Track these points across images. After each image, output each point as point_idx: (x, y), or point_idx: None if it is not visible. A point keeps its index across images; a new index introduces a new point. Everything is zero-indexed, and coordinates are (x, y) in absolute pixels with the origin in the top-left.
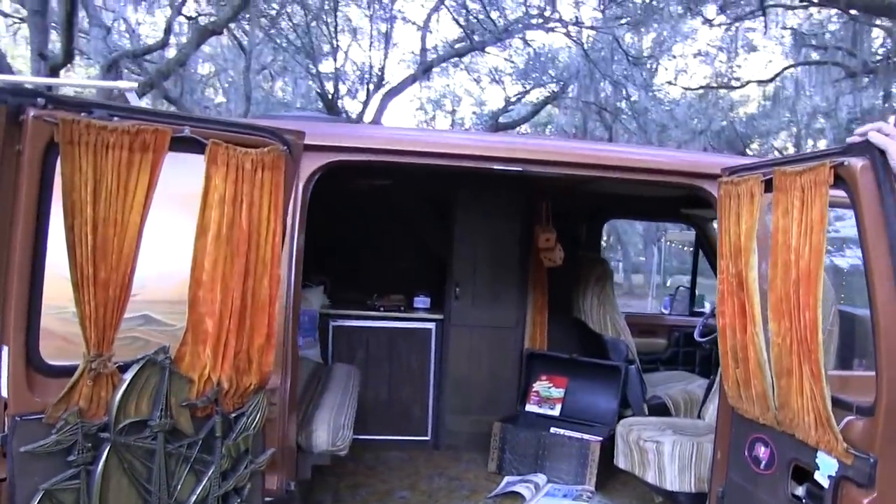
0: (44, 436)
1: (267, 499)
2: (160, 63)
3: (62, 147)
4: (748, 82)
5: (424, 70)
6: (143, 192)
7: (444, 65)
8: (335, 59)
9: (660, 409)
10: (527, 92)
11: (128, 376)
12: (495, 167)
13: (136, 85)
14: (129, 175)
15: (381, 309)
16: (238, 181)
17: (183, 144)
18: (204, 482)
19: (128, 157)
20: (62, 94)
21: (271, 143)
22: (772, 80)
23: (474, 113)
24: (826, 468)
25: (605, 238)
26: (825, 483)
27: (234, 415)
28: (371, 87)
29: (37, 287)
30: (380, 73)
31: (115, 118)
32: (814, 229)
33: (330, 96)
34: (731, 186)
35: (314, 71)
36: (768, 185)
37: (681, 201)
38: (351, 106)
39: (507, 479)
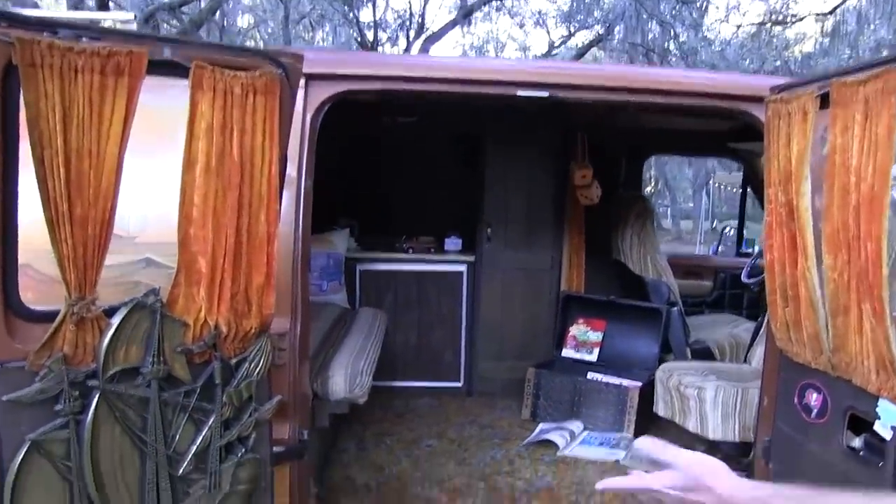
0: (27, 384)
1: (278, 448)
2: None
3: (22, 70)
4: (804, 18)
5: (465, 14)
6: (120, 120)
7: (485, 9)
8: (374, 6)
9: (703, 354)
10: (571, 35)
11: (115, 320)
12: (520, 93)
13: (132, 16)
14: (102, 102)
15: (410, 251)
16: (227, 107)
17: (164, 68)
18: (204, 432)
19: (100, 81)
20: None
21: (264, 66)
22: (831, 12)
23: (517, 59)
24: (888, 418)
25: (652, 183)
26: (887, 434)
27: (234, 361)
28: (411, 34)
29: (10, 225)
30: (420, 20)
31: (84, 39)
32: (879, 146)
33: (370, 44)
34: (780, 105)
35: (354, 19)
36: (824, 102)
37: (728, 135)
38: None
39: (541, 426)
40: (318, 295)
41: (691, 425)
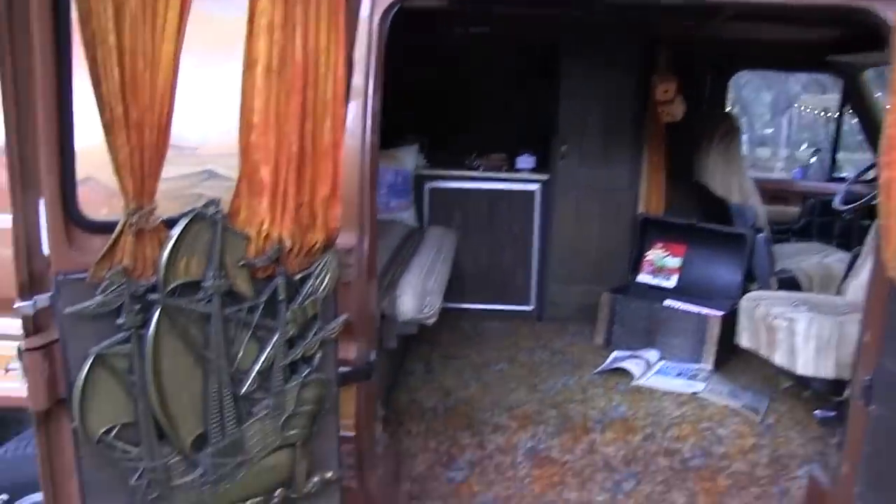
0: (89, 296)
1: (344, 368)
2: None
3: None
4: None
5: None
6: (175, 17)
7: None
8: None
9: (790, 284)
10: None
11: (175, 232)
12: None
13: None
14: None
15: (481, 169)
16: (289, 3)
17: None
18: (268, 350)
19: None
20: None
21: None
22: None
23: None
24: None
25: (728, 107)
26: None
27: (299, 276)
28: None
29: (67, 134)
30: None
31: None
32: None
33: None
34: None
35: None
36: None
37: (826, 47)
38: None
39: (615, 354)
40: (385, 213)
41: (778, 359)
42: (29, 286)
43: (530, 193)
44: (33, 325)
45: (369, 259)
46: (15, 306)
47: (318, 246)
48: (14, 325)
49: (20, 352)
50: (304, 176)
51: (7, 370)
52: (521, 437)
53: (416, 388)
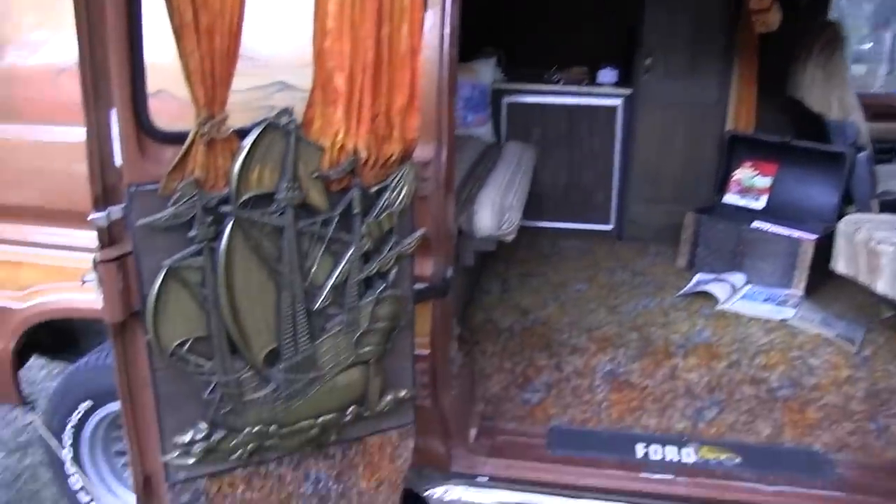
0: (162, 208)
1: (420, 285)
2: None
3: None
4: None
5: None
6: None
7: None
8: None
9: (893, 207)
10: None
11: (247, 142)
12: None
13: None
14: None
15: (561, 83)
16: None
17: None
18: (342, 264)
19: None
20: None
21: None
22: None
23: None
24: None
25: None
26: None
27: (374, 189)
28: None
29: (136, 42)
30: None
31: None
32: None
33: None
34: None
35: None
36: None
37: None
38: None
39: (698, 276)
40: (462, 128)
41: (881, 286)
42: (103, 198)
43: (612, 109)
44: (108, 238)
45: (447, 173)
46: (89, 218)
47: (394, 158)
48: (91, 238)
49: (95, 264)
50: (380, 84)
51: (83, 282)
52: (600, 359)
53: (493, 306)
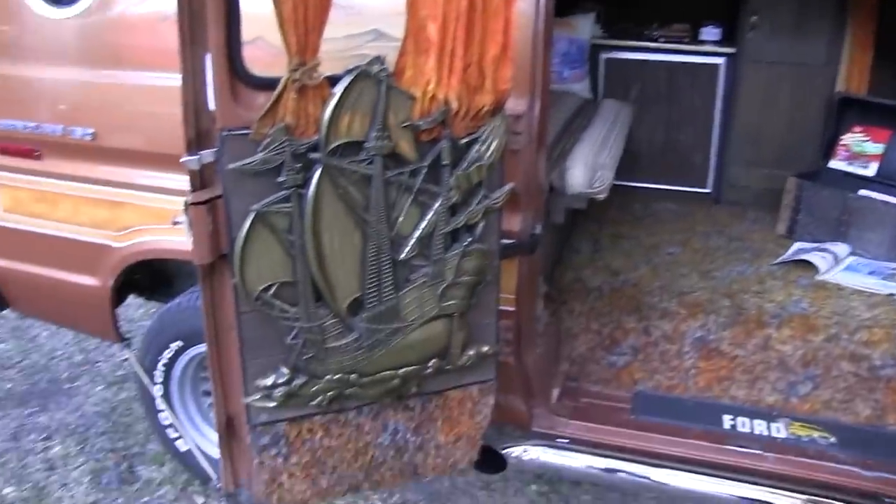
0: (252, 153)
1: (507, 241)
2: None
3: None
4: None
5: None
6: None
7: None
8: None
9: None
10: None
11: (338, 90)
12: None
13: None
14: None
15: (661, 40)
16: None
17: None
18: (429, 216)
19: None
20: None
21: None
22: None
23: None
24: None
25: None
26: None
27: (465, 141)
28: None
29: None
30: None
31: None
32: None
33: None
34: None
35: None
36: None
37: None
38: None
39: (798, 244)
40: (558, 83)
41: None
42: (196, 142)
43: (714, 67)
44: (199, 181)
45: (540, 127)
46: (181, 161)
47: (486, 109)
48: (184, 182)
49: (186, 206)
50: (472, 33)
51: (174, 223)
52: (690, 325)
53: (582, 266)
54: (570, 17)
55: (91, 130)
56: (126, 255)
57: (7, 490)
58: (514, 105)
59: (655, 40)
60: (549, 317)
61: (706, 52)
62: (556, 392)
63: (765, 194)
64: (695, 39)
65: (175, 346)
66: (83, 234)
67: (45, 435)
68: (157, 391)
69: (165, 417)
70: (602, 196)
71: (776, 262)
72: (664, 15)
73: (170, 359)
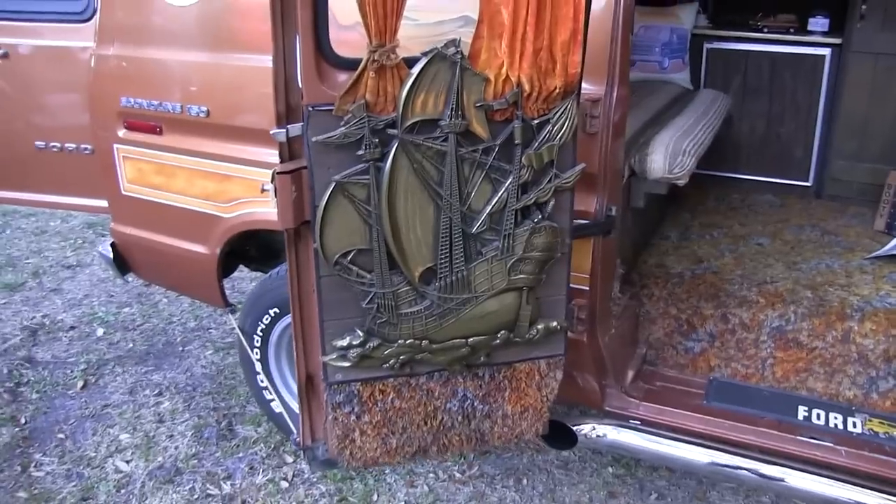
0: (335, 128)
1: (581, 221)
2: None
3: None
4: None
5: None
6: None
7: None
8: None
9: None
10: None
11: (415, 70)
12: None
13: None
14: None
15: (766, 31)
16: None
17: None
18: (500, 192)
19: None
20: None
21: None
22: None
23: None
24: None
25: None
26: None
27: (536, 121)
28: None
29: None
30: None
31: None
32: None
33: None
34: None
35: None
36: None
37: None
38: None
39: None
40: (658, 73)
41: None
42: (285, 116)
43: (819, 59)
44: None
45: (617, 112)
46: (271, 133)
47: (557, 92)
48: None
49: (273, 175)
50: (543, 19)
51: (263, 190)
52: (769, 314)
53: (667, 252)
54: (672, 7)
55: (205, 108)
56: (232, 224)
57: (123, 436)
58: (592, 90)
59: (761, 31)
60: (627, 300)
61: (811, 42)
62: (630, 374)
63: (868, 189)
64: (802, 30)
65: (272, 312)
66: (195, 204)
67: (157, 391)
68: (254, 355)
69: (262, 380)
70: (682, 182)
71: (868, 256)
72: (769, 5)
73: (267, 325)
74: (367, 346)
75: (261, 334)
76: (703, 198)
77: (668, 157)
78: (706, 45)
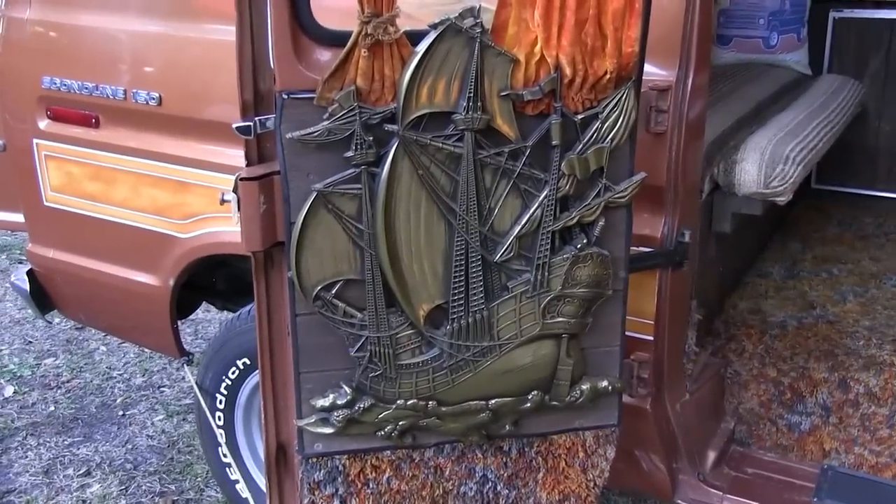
0: (317, 121)
1: (642, 248)
2: None
3: None
4: None
5: None
6: None
7: None
8: None
9: None
10: None
11: (421, 48)
12: None
13: None
14: None
15: None
16: None
17: None
18: (533, 208)
19: None
20: None
21: None
22: None
23: None
24: None
25: None
26: None
27: (581, 116)
28: None
29: None
30: None
31: None
32: None
33: None
34: None
35: None
36: None
37: None
38: None
39: None
40: (762, 52)
41: None
42: (252, 106)
43: None
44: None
45: (693, 105)
46: (233, 127)
47: (608, 77)
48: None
49: (236, 182)
50: None
51: (223, 201)
52: None
53: (765, 294)
54: None
55: (157, 94)
56: (190, 248)
57: None
58: (659, 75)
59: None
60: (708, 356)
61: None
62: (712, 456)
63: None
64: None
65: (241, 364)
66: (142, 220)
67: (84, 470)
68: (216, 421)
69: (226, 455)
70: (783, 199)
71: None
72: None
73: (233, 381)
74: (357, 408)
75: (225, 393)
76: (822, 222)
77: (764, 165)
78: (833, 14)
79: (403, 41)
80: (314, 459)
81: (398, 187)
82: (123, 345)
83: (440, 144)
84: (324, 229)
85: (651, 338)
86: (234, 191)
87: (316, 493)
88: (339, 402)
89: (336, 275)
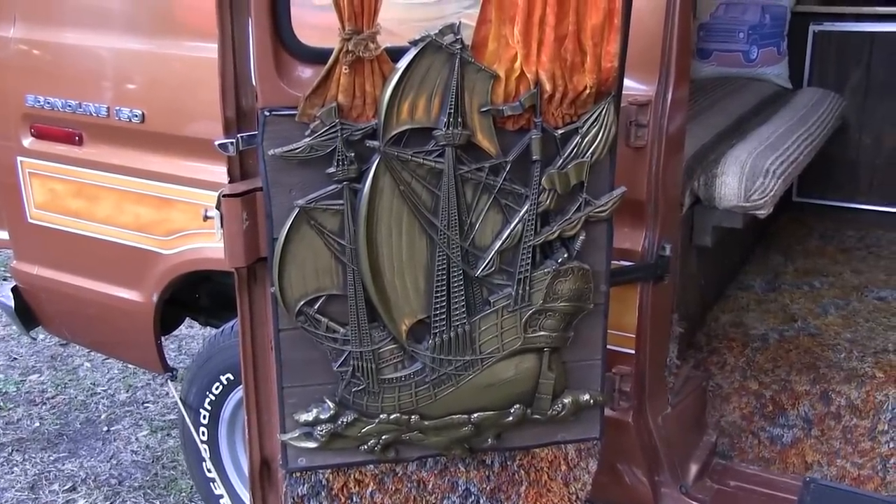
0: (299, 138)
1: (623, 262)
2: None
3: None
4: None
5: None
6: None
7: None
8: None
9: None
10: None
11: (401, 65)
12: None
13: None
14: None
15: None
16: None
17: None
18: (514, 223)
19: None
20: None
21: None
22: None
23: None
24: None
25: None
26: None
27: (560, 131)
28: None
29: None
30: None
31: None
32: None
33: None
34: None
35: None
36: None
37: None
38: None
39: None
40: (743, 66)
41: None
42: (235, 123)
43: None
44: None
45: (673, 119)
46: (216, 144)
47: (588, 92)
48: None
49: (219, 198)
50: None
51: (206, 217)
52: (890, 395)
53: (747, 307)
54: None
55: (140, 112)
56: (173, 264)
57: None
58: (639, 89)
59: (892, 3)
60: (690, 369)
61: None
62: (694, 469)
63: None
64: None
65: (225, 379)
66: (125, 237)
67: (69, 485)
68: (200, 437)
69: (210, 470)
70: (763, 213)
71: None
72: None
73: (217, 396)
74: (340, 422)
75: (209, 408)
76: (804, 235)
77: (745, 178)
78: (813, 27)
79: (384, 58)
80: (298, 474)
81: (380, 203)
82: (108, 361)
83: (421, 160)
84: (306, 245)
85: (633, 351)
86: (217, 207)
87: None
88: (322, 417)
89: (318, 290)
